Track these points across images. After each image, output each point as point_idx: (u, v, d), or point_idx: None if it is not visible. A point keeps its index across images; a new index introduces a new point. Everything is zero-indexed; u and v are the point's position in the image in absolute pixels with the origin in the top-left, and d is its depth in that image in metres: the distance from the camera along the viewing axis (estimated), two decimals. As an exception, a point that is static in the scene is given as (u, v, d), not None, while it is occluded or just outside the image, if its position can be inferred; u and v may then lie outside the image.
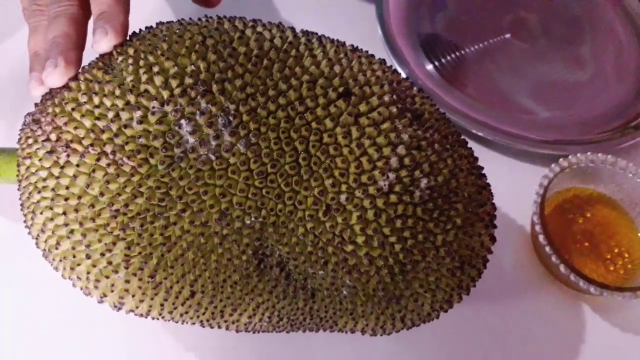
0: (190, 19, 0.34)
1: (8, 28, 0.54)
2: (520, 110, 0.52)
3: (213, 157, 0.28)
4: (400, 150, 0.30)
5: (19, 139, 0.34)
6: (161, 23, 0.34)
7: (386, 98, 0.31)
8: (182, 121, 0.29)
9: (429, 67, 0.53)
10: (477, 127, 0.49)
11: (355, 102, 0.30)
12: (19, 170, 0.33)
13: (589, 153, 0.44)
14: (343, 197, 0.29)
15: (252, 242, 0.30)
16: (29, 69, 0.36)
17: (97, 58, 0.33)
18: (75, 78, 0.32)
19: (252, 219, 0.29)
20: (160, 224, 0.29)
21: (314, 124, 0.29)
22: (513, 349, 0.42)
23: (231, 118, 0.29)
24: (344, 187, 0.29)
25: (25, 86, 0.48)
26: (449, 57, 0.54)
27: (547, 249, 0.41)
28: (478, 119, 0.49)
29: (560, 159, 0.44)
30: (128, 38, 0.33)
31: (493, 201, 0.34)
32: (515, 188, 0.46)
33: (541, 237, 0.42)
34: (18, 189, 0.33)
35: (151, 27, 0.34)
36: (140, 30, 0.34)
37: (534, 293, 0.45)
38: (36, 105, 0.34)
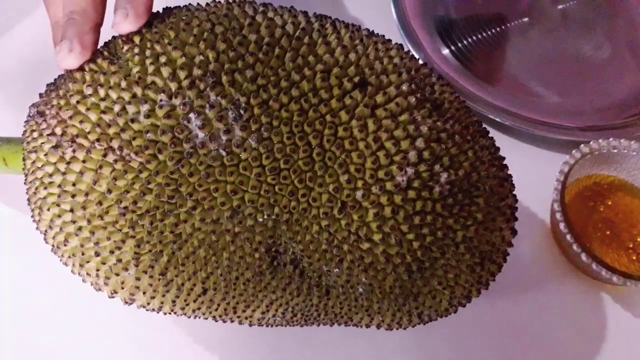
0: (198, 4, 0.32)
1: (14, 15, 0.53)
2: (539, 95, 0.51)
3: (224, 153, 0.27)
4: (419, 143, 0.28)
5: (24, 132, 0.33)
6: (168, 8, 0.32)
7: (404, 87, 0.29)
8: (191, 115, 0.27)
9: (445, 51, 0.52)
10: (495, 113, 0.47)
11: (371, 92, 0.29)
12: (24, 164, 0.32)
13: (610, 139, 0.43)
14: (359, 194, 0.28)
15: (265, 240, 0.29)
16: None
17: (101, 47, 0.32)
18: (80, 68, 0.31)
19: (265, 216, 0.28)
20: (170, 221, 0.28)
21: (328, 117, 0.28)
22: (533, 340, 0.42)
23: (242, 111, 0.27)
24: (360, 183, 0.28)
25: (32, 75, 0.47)
26: (465, 42, 0.52)
27: (568, 237, 0.40)
28: (496, 105, 0.48)
29: (582, 145, 0.43)
30: None
31: (514, 192, 0.33)
32: (534, 175, 0.44)
33: (562, 225, 0.40)
34: (24, 183, 0.33)
35: (158, 12, 0.32)
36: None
37: (554, 283, 0.44)
38: (40, 95, 0.33)
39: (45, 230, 0.32)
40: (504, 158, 0.32)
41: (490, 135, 0.33)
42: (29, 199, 0.32)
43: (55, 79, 0.33)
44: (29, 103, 0.34)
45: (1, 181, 0.44)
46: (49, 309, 0.41)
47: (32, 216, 0.33)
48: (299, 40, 0.29)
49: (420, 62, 0.32)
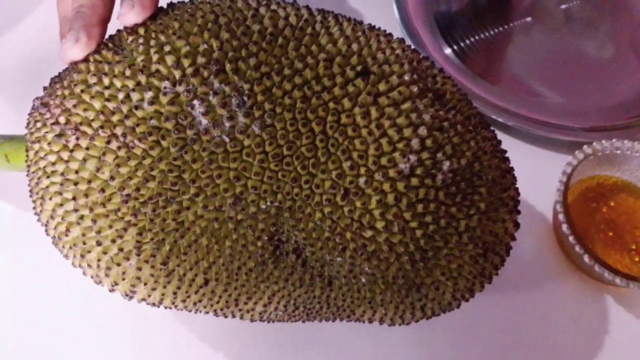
0: (202, -2, 0.33)
1: (16, 13, 0.54)
2: (542, 95, 0.51)
3: (227, 139, 0.27)
4: (422, 131, 0.28)
5: (28, 123, 0.33)
6: (172, 3, 0.33)
7: (406, 77, 0.29)
8: (195, 102, 0.27)
9: (448, 51, 0.52)
10: (497, 113, 0.47)
11: (374, 81, 0.29)
12: (27, 156, 0.32)
13: (614, 140, 0.43)
14: (362, 181, 0.28)
15: (268, 228, 0.29)
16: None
17: (106, 39, 0.32)
18: (84, 60, 0.31)
19: (268, 203, 0.28)
20: (172, 209, 0.28)
21: (331, 104, 0.28)
22: (534, 341, 0.41)
23: (245, 98, 0.27)
24: (362, 170, 0.28)
25: (33, 74, 0.47)
26: (468, 41, 0.53)
27: (571, 238, 0.40)
28: (498, 104, 0.48)
29: (585, 146, 0.43)
30: None
31: (517, 185, 0.33)
32: (537, 176, 0.44)
33: (564, 226, 0.40)
34: (27, 175, 0.33)
35: (162, 6, 0.33)
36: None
37: (556, 284, 0.43)
38: (44, 89, 0.33)
39: (47, 221, 0.32)
40: (505, 151, 0.32)
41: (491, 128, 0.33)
42: (31, 191, 0.32)
43: (59, 72, 0.33)
44: (30, 102, 0.34)
45: (1, 179, 0.44)
46: (48, 306, 0.41)
47: (34, 207, 0.32)
48: (302, 31, 0.30)
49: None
